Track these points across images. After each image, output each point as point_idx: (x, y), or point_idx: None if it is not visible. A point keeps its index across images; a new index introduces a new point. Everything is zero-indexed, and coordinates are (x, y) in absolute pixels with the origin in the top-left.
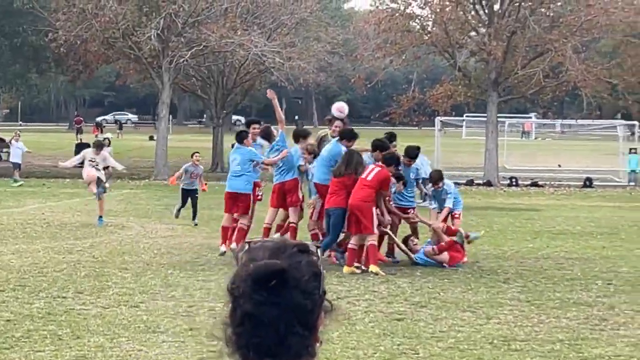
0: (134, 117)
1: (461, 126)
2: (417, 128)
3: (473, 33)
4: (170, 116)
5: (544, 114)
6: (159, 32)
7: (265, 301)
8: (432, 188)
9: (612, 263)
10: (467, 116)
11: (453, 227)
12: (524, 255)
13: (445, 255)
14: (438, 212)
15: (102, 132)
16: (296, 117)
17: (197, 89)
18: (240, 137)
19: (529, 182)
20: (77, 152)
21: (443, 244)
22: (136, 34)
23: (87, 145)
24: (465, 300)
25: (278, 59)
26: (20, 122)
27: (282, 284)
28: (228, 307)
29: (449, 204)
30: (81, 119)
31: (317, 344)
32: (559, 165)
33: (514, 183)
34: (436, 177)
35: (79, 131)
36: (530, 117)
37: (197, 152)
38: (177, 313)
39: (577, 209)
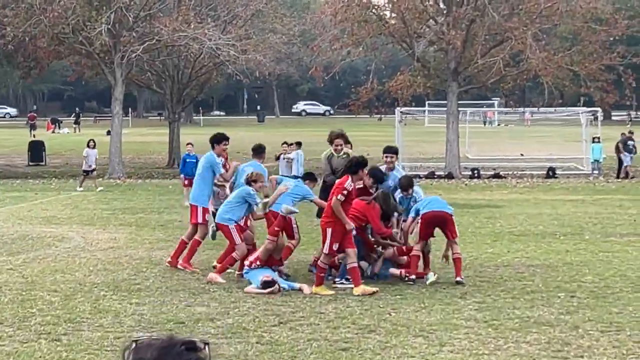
0: (13, 111)
1: (422, 117)
2: (378, 119)
3: (431, 22)
4: (130, 109)
5: (506, 102)
6: (109, 26)
7: None
8: (401, 195)
9: (576, 271)
10: (429, 104)
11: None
12: (483, 263)
13: (403, 259)
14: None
15: (59, 127)
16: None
17: (153, 83)
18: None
19: (491, 174)
20: (30, 149)
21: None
22: (86, 29)
23: (41, 143)
24: (417, 322)
25: (232, 52)
26: None
27: None
28: None
29: (412, 214)
30: (34, 115)
31: None
32: (522, 155)
33: (475, 175)
34: (406, 184)
35: (33, 127)
36: (493, 104)
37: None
38: (102, 347)
39: (540, 204)
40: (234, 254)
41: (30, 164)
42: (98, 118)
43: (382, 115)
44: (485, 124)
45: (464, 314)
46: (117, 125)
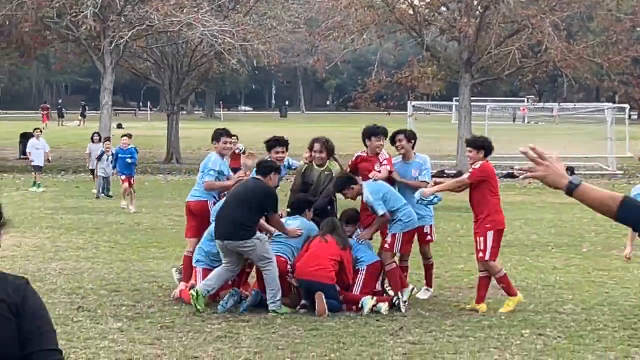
0: None
1: (435, 111)
2: (386, 114)
3: (443, 9)
4: (149, 103)
5: (539, 98)
6: (96, 10)
7: None
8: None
9: (556, 296)
10: (455, 100)
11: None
12: (444, 284)
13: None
14: None
15: (62, 117)
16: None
17: (151, 73)
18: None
19: (505, 173)
20: (21, 142)
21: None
22: (72, 13)
23: (32, 136)
24: None
25: (229, 38)
26: None
27: None
28: None
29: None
30: (48, 106)
31: None
32: None
33: None
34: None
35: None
36: (523, 102)
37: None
38: None
39: (545, 209)
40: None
41: (22, 157)
42: (118, 111)
43: (390, 112)
44: (514, 121)
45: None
46: (106, 117)
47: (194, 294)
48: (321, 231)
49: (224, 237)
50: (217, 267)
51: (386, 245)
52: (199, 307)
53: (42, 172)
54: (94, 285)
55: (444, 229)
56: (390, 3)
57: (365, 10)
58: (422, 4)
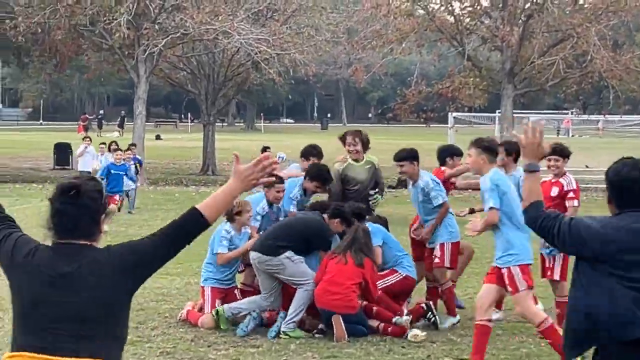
0: None
1: (477, 123)
2: (425, 126)
3: (484, 17)
4: (190, 114)
5: (583, 109)
6: (130, 18)
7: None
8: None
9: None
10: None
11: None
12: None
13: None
14: None
15: (101, 128)
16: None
17: (187, 83)
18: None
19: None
20: (55, 152)
21: None
22: (105, 20)
23: (68, 146)
24: None
25: (265, 47)
26: (42, 122)
27: (78, 194)
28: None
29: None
30: (87, 117)
31: (100, 233)
32: (586, 167)
33: None
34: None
35: (86, 129)
36: (568, 114)
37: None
38: None
39: None
40: None
41: (56, 167)
42: (159, 123)
43: (429, 124)
44: (558, 134)
45: None
46: (140, 128)
47: (214, 313)
48: (339, 248)
49: (254, 248)
50: (229, 286)
51: (436, 260)
52: (222, 326)
53: None
54: None
55: None
56: (430, 11)
57: (404, 18)
58: (463, 12)
